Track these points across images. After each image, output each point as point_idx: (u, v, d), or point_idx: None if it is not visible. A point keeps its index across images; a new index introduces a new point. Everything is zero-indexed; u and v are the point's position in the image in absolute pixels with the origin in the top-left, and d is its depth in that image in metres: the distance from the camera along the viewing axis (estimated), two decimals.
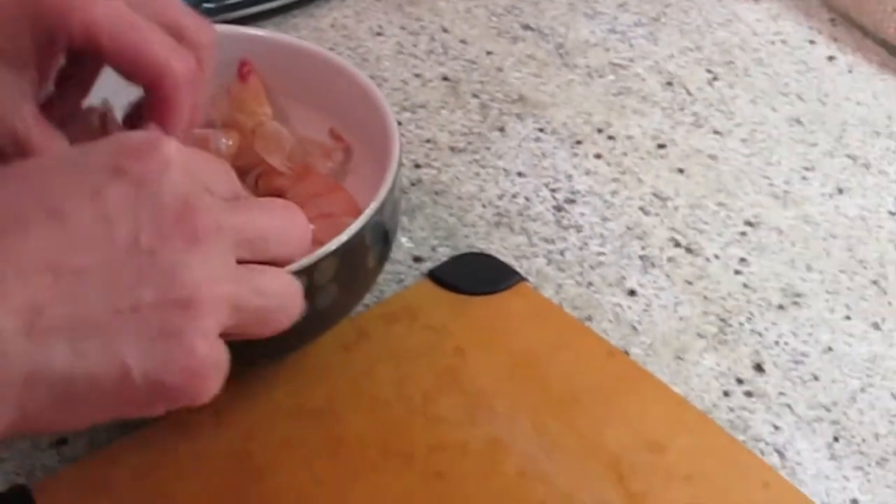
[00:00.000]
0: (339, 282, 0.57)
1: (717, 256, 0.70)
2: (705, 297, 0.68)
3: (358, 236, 0.57)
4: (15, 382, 0.40)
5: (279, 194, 0.66)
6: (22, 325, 0.40)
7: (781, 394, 0.62)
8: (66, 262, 0.41)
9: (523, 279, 0.67)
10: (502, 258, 0.69)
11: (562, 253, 0.70)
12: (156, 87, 0.52)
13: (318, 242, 0.62)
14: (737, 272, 0.69)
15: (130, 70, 0.51)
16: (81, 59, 0.54)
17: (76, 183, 0.42)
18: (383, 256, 0.61)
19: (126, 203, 0.42)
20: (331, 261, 0.56)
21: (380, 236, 0.60)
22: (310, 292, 0.56)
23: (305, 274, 0.55)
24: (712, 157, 0.77)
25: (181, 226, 0.43)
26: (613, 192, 0.74)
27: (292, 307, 0.48)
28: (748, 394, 0.62)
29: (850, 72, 0.84)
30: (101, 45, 0.50)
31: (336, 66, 0.67)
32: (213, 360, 0.43)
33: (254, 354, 0.58)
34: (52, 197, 0.41)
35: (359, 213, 0.64)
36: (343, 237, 0.56)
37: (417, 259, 0.69)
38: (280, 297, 0.47)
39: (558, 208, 0.73)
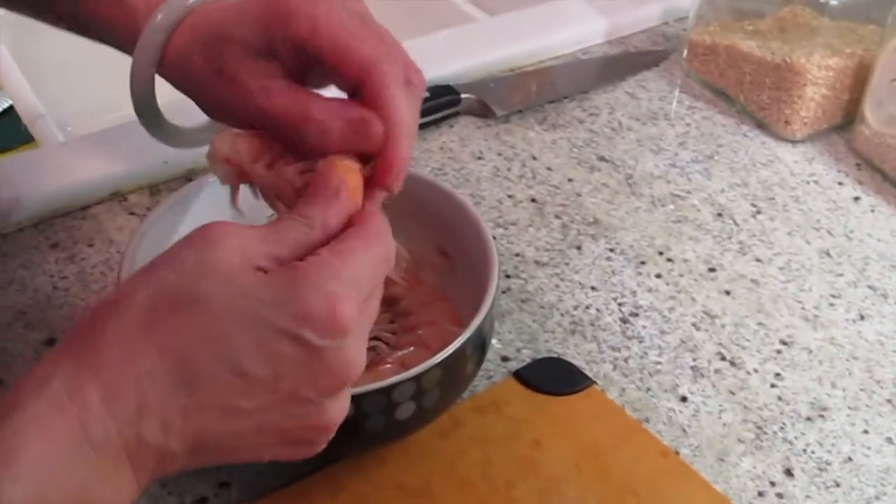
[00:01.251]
0: (442, 386, 0.57)
1: (756, 370, 0.69)
2: (745, 407, 0.66)
3: (461, 349, 0.56)
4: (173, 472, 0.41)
5: (394, 301, 0.66)
6: (189, 447, 0.40)
7: (808, 497, 0.61)
8: (235, 404, 0.41)
9: (593, 382, 0.66)
10: (575, 362, 0.68)
11: (626, 360, 0.69)
12: (364, 85, 0.49)
13: (425, 347, 0.62)
14: (772, 385, 0.68)
15: (341, 66, 0.49)
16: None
17: (259, 344, 0.41)
18: (480, 362, 0.61)
19: (297, 364, 0.41)
20: (436, 370, 0.55)
21: (478, 347, 0.59)
22: (417, 394, 0.55)
23: (415, 381, 0.55)
24: (754, 281, 0.75)
25: (337, 383, 0.43)
26: (670, 309, 0.73)
27: None
28: (779, 496, 0.61)
29: (872, 211, 0.83)
30: (321, 40, 0.49)
31: (445, 193, 0.67)
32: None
33: (370, 441, 0.58)
34: (237, 355, 0.41)
35: (460, 321, 0.63)
36: (448, 350, 0.55)
37: (504, 358, 0.68)
38: None
39: (624, 320, 0.71)
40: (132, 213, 0.79)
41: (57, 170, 0.81)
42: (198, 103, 0.56)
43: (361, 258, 0.44)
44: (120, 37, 0.58)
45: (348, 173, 0.48)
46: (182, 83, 0.56)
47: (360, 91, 0.49)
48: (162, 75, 0.57)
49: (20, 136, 1.06)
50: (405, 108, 0.49)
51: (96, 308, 0.41)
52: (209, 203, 0.66)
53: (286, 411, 0.42)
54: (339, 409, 0.44)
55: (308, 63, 0.51)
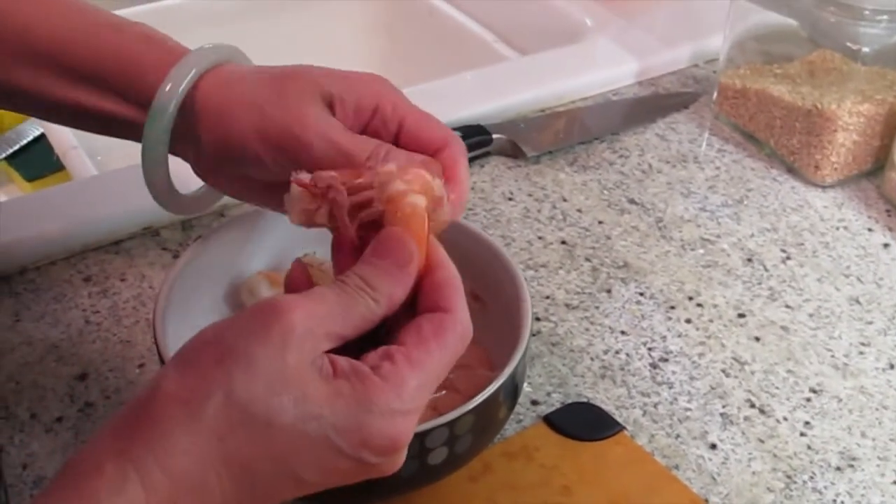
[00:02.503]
0: (475, 432, 0.57)
1: (785, 418, 0.69)
2: (775, 455, 0.66)
3: (494, 395, 0.56)
4: None
5: None
6: None
7: None
8: (288, 495, 0.44)
9: (623, 428, 0.66)
10: (605, 407, 0.68)
11: (655, 406, 0.69)
12: (441, 152, 0.54)
13: (456, 391, 0.62)
14: (802, 434, 0.68)
15: (422, 135, 0.54)
16: None
17: (319, 460, 0.43)
18: (512, 407, 0.61)
19: (350, 473, 0.45)
20: (469, 417, 0.55)
21: (511, 393, 0.59)
22: (450, 440, 0.55)
23: (448, 427, 0.55)
24: (784, 328, 0.75)
25: (382, 475, 0.46)
26: (700, 355, 0.73)
27: None
28: None
29: None
30: (403, 118, 0.55)
31: (478, 237, 0.67)
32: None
33: (401, 486, 0.58)
34: (299, 470, 0.43)
35: (491, 365, 0.64)
36: (482, 396, 0.56)
37: (534, 402, 0.68)
38: None
39: (654, 365, 0.72)
40: (164, 249, 0.79)
41: (90, 203, 0.82)
42: (229, 132, 0.55)
43: (436, 363, 0.45)
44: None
45: (416, 220, 0.49)
46: (218, 106, 0.55)
47: (435, 155, 0.54)
48: (186, 108, 0.56)
49: (51, 165, 1.07)
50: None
51: (163, 401, 0.42)
52: (244, 240, 0.66)
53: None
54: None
55: None
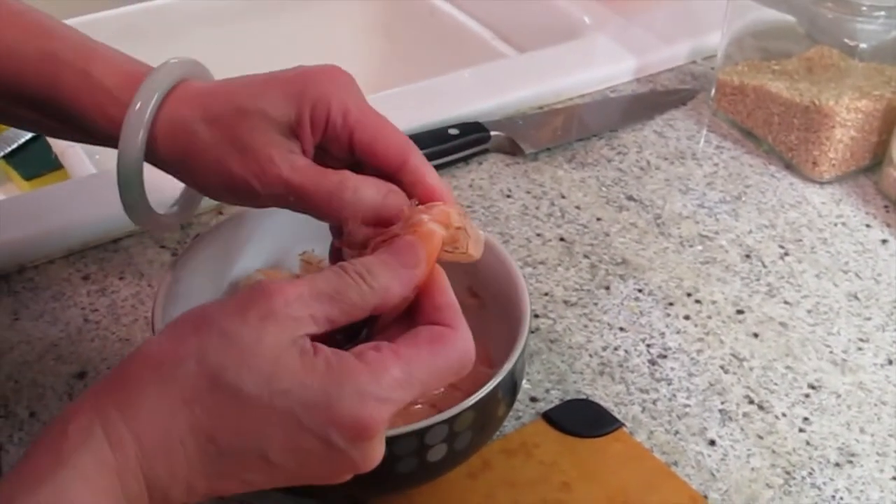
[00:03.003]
0: (474, 429, 0.57)
1: (784, 414, 0.69)
2: (773, 451, 0.66)
3: (493, 391, 0.56)
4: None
5: None
6: (210, 499, 0.43)
7: None
8: (257, 479, 0.44)
9: (622, 425, 0.66)
10: (604, 403, 0.68)
11: (654, 402, 0.69)
12: (405, 165, 0.53)
13: (455, 388, 0.62)
14: (801, 430, 0.68)
15: (378, 148, 0.53)
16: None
17: (287, 439, 0.43)
18: (511, 404, 0.61)
19: (320, 458, 0.44)
20: (469, 413, 0.55)
21: (510, 389, 0.59)
22: (449, 437, 0.55)
23: (447, 423, 0.55)
24: (783, 324, 0.75)
25: (356, 471, 0.46)
26: (699, 351, 0.73)
27: None
28: None
29: None
30: (353, 130, 0.53)
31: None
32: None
33: (401, 483, 0.58)
34: (264, 446, 0.43)
35: (490, 361, 0.64)
36: (481, 393, 0.56)
37: (533, 399, 0.68)
38: None
39: (652, 362, 0.72)
40: (163, 247, 0.79)
41: (88, 202, 0.82)
42: (195, 181, 0.56)
43: (424, 366, 0.45)
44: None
45: (431, 241, 0.49)
46: (178, 159, 0.55)
47: (398, 172, 0.53)
48: (149, 156, 0.55)
49: (49, 164, 1.07)
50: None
51: (139, 362, 0.43)
52: (243, 238, 0.66)
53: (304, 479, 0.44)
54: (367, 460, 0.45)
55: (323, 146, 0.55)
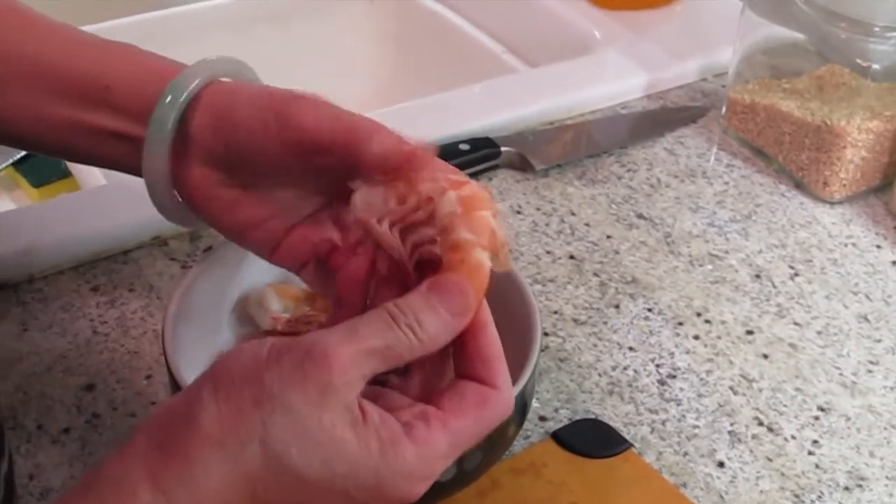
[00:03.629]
0: (484, 449, 0.57)
1: (793, 437, 0.69)
2: (782, 474, 0.66)
3: None
4: None
5: None
6: None
7: None
8: None
9: (631, 445, 0.66)
10: (613, 424, 0.68)
11: (663, 423, 0.69)
12: (413, 157, 0.51)
13: None
14: (810, 453, 0.68)
15: (385, 164, 0.51)
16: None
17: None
18: (521, 424, 0.61)
19: None
20: None
21: (520, 410, 0.59)
22: (459, 457, 0.55)
23: None
24: (792, 345, 0.75)
25: None
26: (708, 371, 0.73)
27: None
28: None
29: None
30: (361, 148, 0.51)
31: None
32: None
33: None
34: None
35: None
36: None
37: (542, 418, 0.68)
38: None
39: (662, 382, 0.72)
40: (173, 259, 0.79)
41: (98, 213, 0.82)
42: (234, 120, 0.55)
43: (469, 436, 0.45)
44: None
45: (479, 275, 0.48)
46: (222, 103, 0.55)
47: (403, 168, 0.51)
48: (180, 132, 0.55)
49: (58, 171, 1.07)
50: None
51: (201, 439, 0.42)
52: (254, 255, 0.66)
53: None
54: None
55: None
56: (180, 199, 0.58)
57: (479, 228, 0.48)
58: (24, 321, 0.74)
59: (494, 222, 0.49)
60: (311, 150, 0.52)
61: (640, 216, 0.87)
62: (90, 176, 0.97)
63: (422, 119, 0.95)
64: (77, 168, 1.01)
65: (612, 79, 1.03)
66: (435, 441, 0.44)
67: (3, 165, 1.13)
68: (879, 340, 0.77)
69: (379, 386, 0.47)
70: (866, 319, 0.78)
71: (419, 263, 0.50)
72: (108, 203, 0.83)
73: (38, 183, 1.11)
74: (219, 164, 0.55)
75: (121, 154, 0.58)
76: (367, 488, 0.43)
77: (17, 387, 0.69)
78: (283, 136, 0.53)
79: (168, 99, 0.54)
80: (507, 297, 0.64)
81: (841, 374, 0.73)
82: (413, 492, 0.44)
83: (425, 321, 0.45)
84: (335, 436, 0.42)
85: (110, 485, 0.42)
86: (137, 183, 0.57)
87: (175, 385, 0.57)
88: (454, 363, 0.48)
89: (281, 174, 0.55)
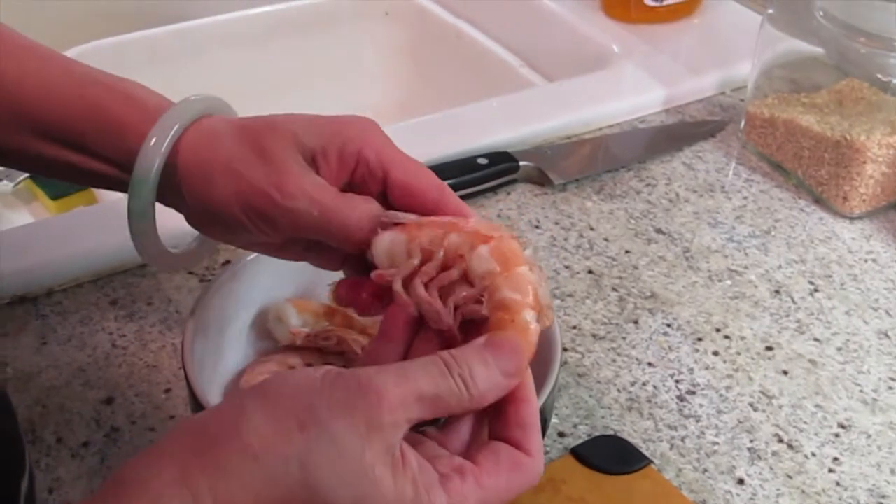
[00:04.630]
0: None
1: (813, 454, 0.68)
2: (803, 492, 0.66)
3: None
4: None
5: None
6: None
7: None
8: None
9: (650, 462, 0.66)
10: (632, 440, 0.68)
11: (683, 440, 0.69)
12: (437, 205, 0.52)
13: None
14: (830, 470, 0.67)
15: (408, 188, 0.53)
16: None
17: None
18: None
19: None
20: None
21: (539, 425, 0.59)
22: None
23: None
24: (812, 361, 0.75)
25: None
26: (728, 388, 0.73)
27: None
28: None
29: None
30: (388, 168, 0.53)
31: None
32: None
33: None
34: None
35: None
36: None
37: (561, 434, 0.68)
38: None
39: (681, 398, 0.72)
40: (191, 273, 0.80)
41: (116, 226, 0.81)
42: (209, 196, 0.54)
43: (499, 496, 0.45)
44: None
45: (527, 334, 0.47)
46: (197, 168, 0.54)
47: (434, 210, 0.52)
48: (165, 174, 0.55)
49: (68, 187, 1.08)
50: None
51: (240, 449, 0.42)
52: (273, 266, 0.67)
53: None
54: None
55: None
56: (166, 248, 0.60)
57: (521, 287, 0.48)
58: (43, 334, 0.74)
59: (534, 278, 0.48)
60: (293, 240, 0.54)
61: (659, 231, 0.87)
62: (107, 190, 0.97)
63: (439, 133, 0.95)
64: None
65: (630, 93, 1.03)
66: (466, 495, 0.44)
67: (21, 178, 1.14)
68: None
69: (419, 434, 0.46)
70: (887, 336, 0.78)
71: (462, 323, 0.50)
72: (125, 216, 0.83)
73: (55, 195, 1.12)
74: (205, 215, 0.56)
75: (113, 186, 0.58)
76: None
77: (37, 400, 0.70)
78: (261, 227, 0.54)
79: (146, 159, 0.54)
80: None
81: (861, 391, 0.73)
82: None
83: (478, 376, 0.45)
84: (374, 474, 0.42)
85: (137, 485, 0.41)
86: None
87: (194, 398, 0.58)
88: (491, 422, 0.47)
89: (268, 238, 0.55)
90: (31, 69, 0.57)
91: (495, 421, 0.47)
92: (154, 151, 0.54)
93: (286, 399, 0.43)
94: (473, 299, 0.48)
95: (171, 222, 0.58)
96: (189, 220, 0.58)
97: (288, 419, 0.42)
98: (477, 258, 0.48)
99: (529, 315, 0.47)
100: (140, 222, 0.57)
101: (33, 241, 0.79)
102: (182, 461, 0.42)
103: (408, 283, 0.49)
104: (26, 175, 1.14)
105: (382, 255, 0.51)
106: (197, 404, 0.57)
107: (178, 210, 0.57)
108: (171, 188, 0.55)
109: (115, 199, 0.91)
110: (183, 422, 0.44)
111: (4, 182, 1.14)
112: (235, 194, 0.53)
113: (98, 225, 0.82)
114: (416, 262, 0.49)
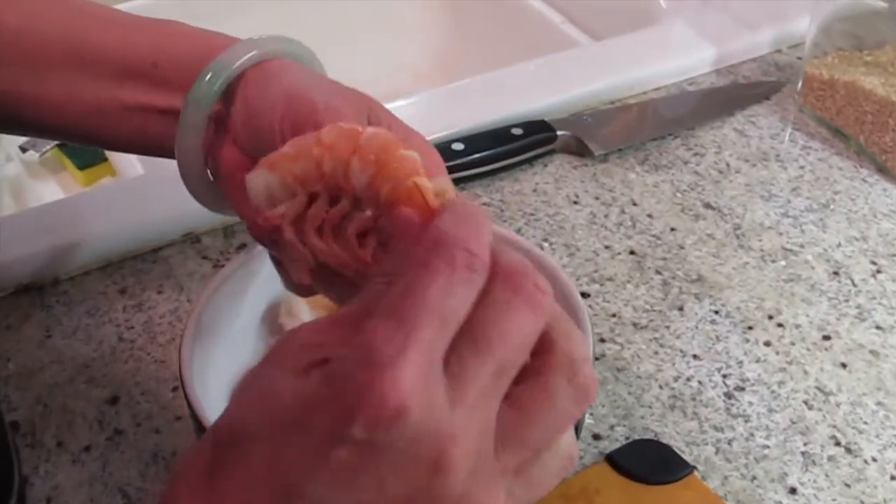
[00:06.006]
0: None
1: (874, 459, 0.63)
2: (862, 502, 0.60)
3: None
4: None
5: None
6: None
7: None
8: None
9: (693, 469, 0.61)
10: (674, 443, 0.63)
11: (729, 443, 0.63)
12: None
13: None
14: (892, 477, 0.62)
15: None
16: None
17: (302, 456, 0.33)
18: None
19: (350, 473, 0.33)
20: None
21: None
22: None
23: None
24: (874, 353, 0.69)
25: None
26: (780, 383, 0.67)
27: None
28: None
29: None
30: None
31: (530, 252, 0.61)
32: None
33: None
34: (284, 476, 0.34)
35: None
36: None
37: (596, 437, 0.63)
38: None
39: (728, 395, 0.66)
40: (205, 258, 0.75)
41: (130, 206, 0.78)
42: (263, 101, 0.52)
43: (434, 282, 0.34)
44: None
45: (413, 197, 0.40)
46: (260, 82, 0.52)
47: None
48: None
49: (103, 154, 1.05)
50: None
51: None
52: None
53: None
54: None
55: None
56: (212, 181, 0.56)
57: (399, 173, 0.41)
58: (47, 326, 0.70)
59: (412, 154, 0.42)
60: None
61: (708, 206, 0.81)
62: (128, 163, 0.93)
63: (473, 100, 0.89)
64: (114, 155, 0.98)
65: (679, 52, 0.96)
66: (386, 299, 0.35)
67: (48, 148, 1.11)
68: None
69: None
70: None
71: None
72: (140, 195, 0.79)
73: (83, 165, 1.09)
74: (247, 151, 0.53)
75: (157, 132, 0.55)
76: (321, 402, 0.33)
77: (38, 399, 0.66)
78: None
79: (208, 76, 0.52)
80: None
81: None
82: (371, 377, 0.32)
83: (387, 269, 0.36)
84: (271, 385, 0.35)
85: None
86: (174, 172, 0.53)
87: (189, 402, 0.53)
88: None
89: None
90: (100, 17, 0.56)
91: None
92: (230, 56, 0.52)
93: None
94: (372, 221, 0.43)
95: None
96: (222, 178, 0.54)
97: None
98: (354, 177, 0.42)
99: (419, 181, 0.40)
100: (195, 137, 0.54)
101: (39, 225, 0.75)
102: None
103: (299, 228, 0.44)
104: (53, 144, 1.11)
105: (261, 199, 0.45)
106: (191, 408, 0.53)
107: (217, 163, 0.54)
108: (225, 116, 0.53)
109: (129, 178, 0.87)
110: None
111: (31, 152, 1.11)
112: (284, 93, 0.50)
113: (109, 206, 0.78)
114: (302, 199, 0.44)
